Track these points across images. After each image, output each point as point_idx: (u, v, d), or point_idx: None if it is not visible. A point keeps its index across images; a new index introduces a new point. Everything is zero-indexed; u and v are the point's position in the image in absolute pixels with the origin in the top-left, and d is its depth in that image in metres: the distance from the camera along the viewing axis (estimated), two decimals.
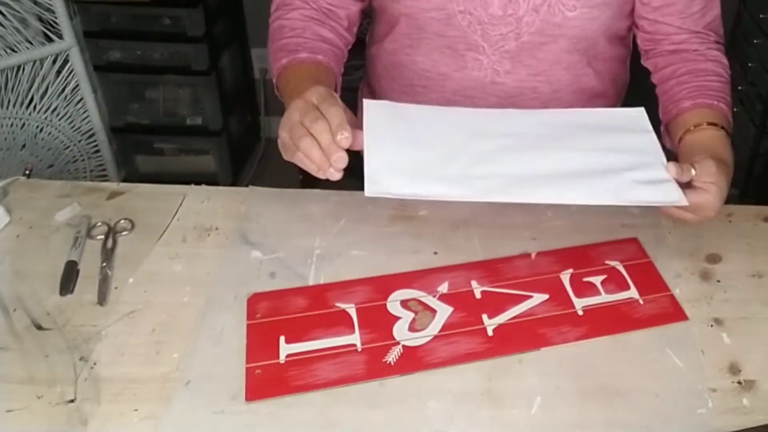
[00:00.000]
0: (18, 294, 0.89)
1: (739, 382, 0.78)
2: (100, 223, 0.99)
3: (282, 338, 0.82)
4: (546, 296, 0.87)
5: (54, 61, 1.90)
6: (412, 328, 0.84)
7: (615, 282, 0.90)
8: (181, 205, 1.03)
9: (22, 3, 1.79)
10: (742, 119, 2.25)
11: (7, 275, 0.92)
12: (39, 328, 0.84)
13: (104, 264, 0.93)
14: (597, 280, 0.90)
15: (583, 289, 0.89)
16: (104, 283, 0.90)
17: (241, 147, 2.60)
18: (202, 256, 0.95)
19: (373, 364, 0.80)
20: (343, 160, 0.81)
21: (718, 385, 0.78)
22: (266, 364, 0.80)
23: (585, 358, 0.81)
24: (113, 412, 0.75)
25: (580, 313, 0.86)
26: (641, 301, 0.87)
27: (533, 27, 0.92)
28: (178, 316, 0.86)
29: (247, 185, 1.07)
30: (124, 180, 2.27)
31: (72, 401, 0.76)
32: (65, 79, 1.93)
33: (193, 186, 1.07)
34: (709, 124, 0.92)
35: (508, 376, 0.79)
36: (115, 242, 0.97)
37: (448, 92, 1.01)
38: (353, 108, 1.05)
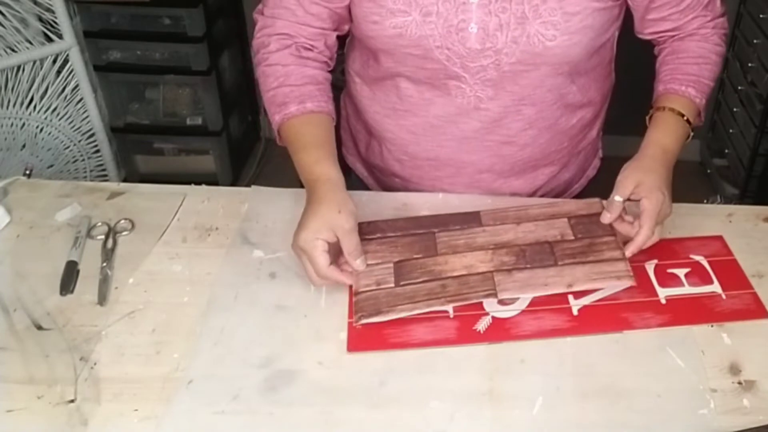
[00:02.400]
0: (18, 294, 0.89)
1: (740, 383, 0.78)
2: (100, 223, 0.99)
3: None
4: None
5: (54, 61, 1.89)
6: (501, 301, 0.86)
7: (698, 275, 0.92)
8: (181, 205, 1.03)
9: (22, 3, 1.79)
10: (742, 119, 2.25)
11: (7, 275, 0.91)
12: (39, 328, 0.84)
13: (104, 264, 0.93)
14: (681, 272, 0.92)
15: (667, 279, 0.91)
16: (104, 283, 0.90)
17: (241, 147, 2.60)
18: (202, 256, 0.95)
19: (464, 331, 0.83)
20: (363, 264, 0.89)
21: (718, 385, 0.78)
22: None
23: (586, 358, 0.81)
24: (113, 412, 0.75)
25: (663, 301, 0.88)
26: (724, 296, 0.89)
27: (513, 58, 0.92)
28: (178, 316, 0.86)
29: (248, 185, 1.06)
30: (124, 180, 2.27)
31: (72, 401, 0.76)
32: (65, 79, 1.93)
33: (193, 186, 1.08)
34: (670, 109, 0.96)
35: (509, 376, 0.79)
36: (115, 242, 0.97)
37: (431, 117, 1.01)
38: (336, 112, 1.01)
